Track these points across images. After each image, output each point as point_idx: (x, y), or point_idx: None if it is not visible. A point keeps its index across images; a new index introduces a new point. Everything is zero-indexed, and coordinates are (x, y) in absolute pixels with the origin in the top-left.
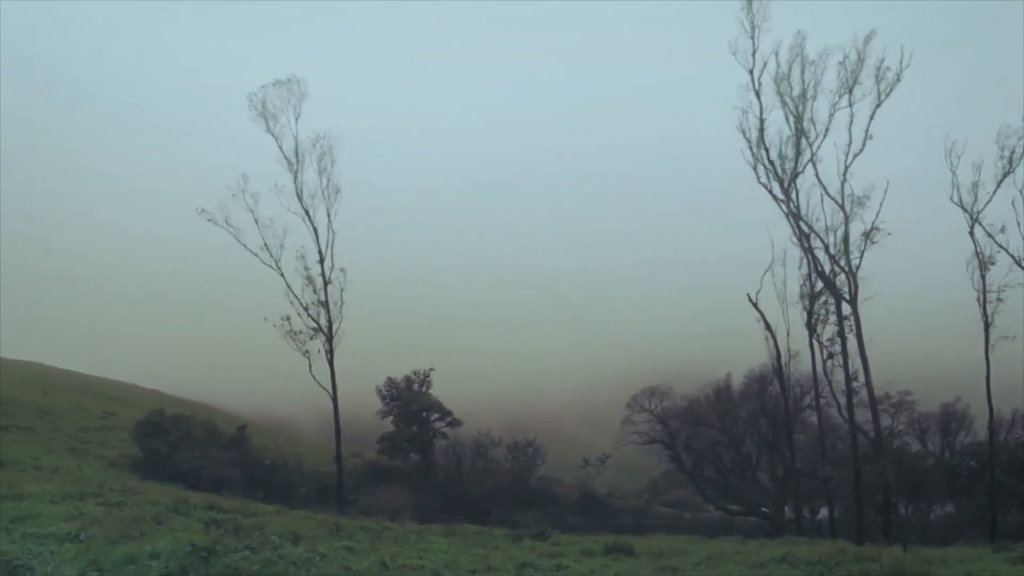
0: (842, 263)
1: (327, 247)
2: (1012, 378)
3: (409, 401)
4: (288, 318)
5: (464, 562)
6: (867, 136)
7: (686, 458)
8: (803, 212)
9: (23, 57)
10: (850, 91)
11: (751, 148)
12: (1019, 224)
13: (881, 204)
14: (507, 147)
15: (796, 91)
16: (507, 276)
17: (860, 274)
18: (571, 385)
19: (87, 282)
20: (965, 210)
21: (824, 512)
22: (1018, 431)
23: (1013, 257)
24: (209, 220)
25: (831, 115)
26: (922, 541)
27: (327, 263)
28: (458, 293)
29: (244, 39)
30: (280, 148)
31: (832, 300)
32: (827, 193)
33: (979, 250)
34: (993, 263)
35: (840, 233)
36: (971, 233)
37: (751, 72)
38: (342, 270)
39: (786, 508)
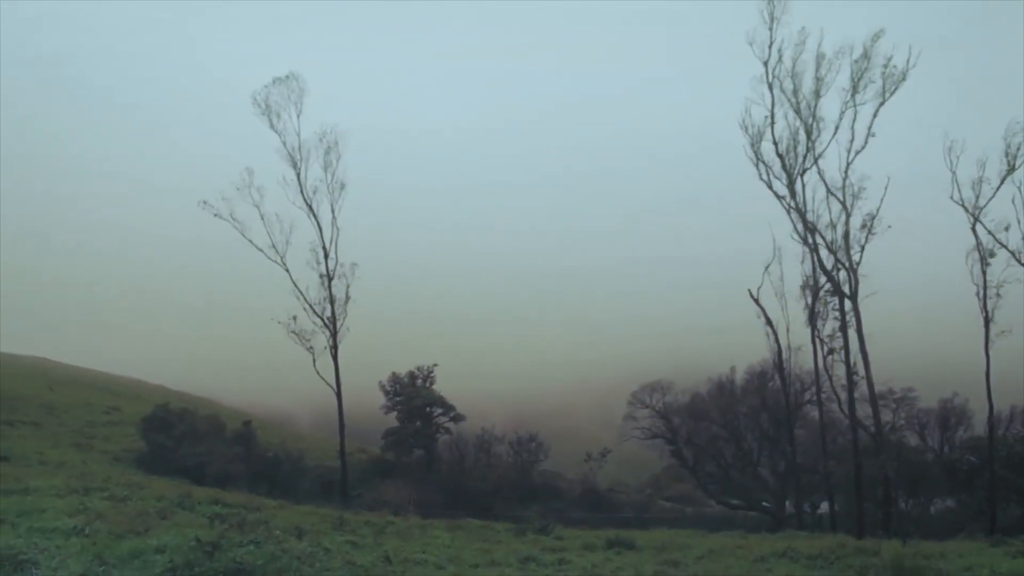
0: (843, 259)
1: (332, 243)
2: (1011, 373)
3: (413, 396)
4: (295, 317)
5: (467, 556)
6: (870, 133)
7: (687, 453)
8: (806, 208)
9: (28, 56)
10: (855, 88)
11: (753, 145)
12: (1020, 221)
13: (882, 200)
14: (509, 145)
15: (807, 87)
16: (510, 272)
17: (861, 271)
18: (573, 380)
19: (92, 278)
20: (966, 209)
21: (825, 506)
22: (1017, 426)
23: (1013, 254)
24: (215, 214)
25: (842, 113)
26: (922, 535)
27: (331, 259)
28: (461, 289)
29: (248, 38)
30: (284, 144)
31: (832, 296)
32: (829, 190)
33: (980, 246)
34: (993, 256)
35: (841, 229)
36: (973, 229)
37: (766, 64)
38: (354, 264)
39: (787, 502)
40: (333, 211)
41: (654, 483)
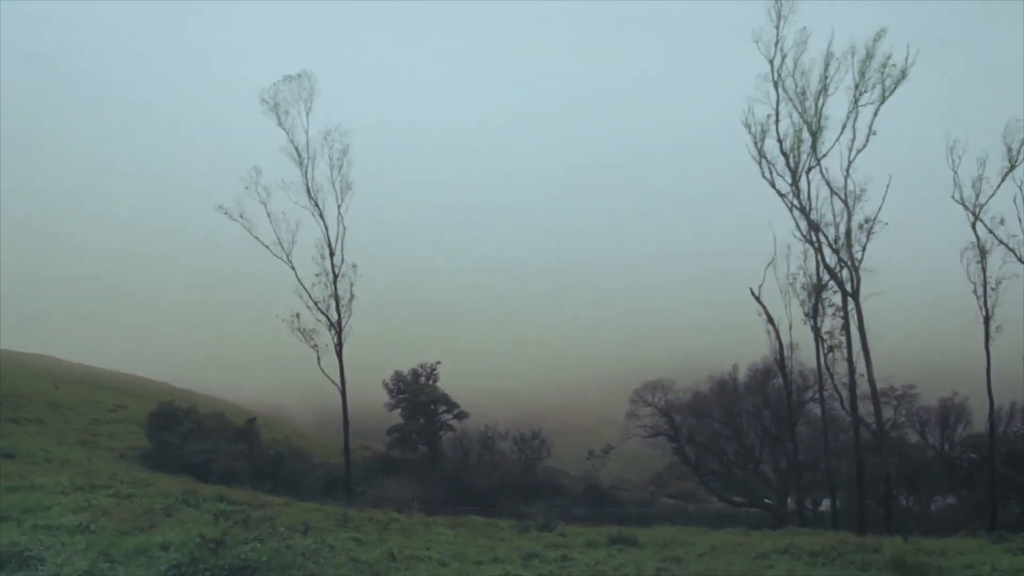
0: (845, 257)
1: (337, 241)
2: (1011, 370)
3: (416, 394)
4: (298, 315)
5: (471, 553)
6: (871, 132)
7: (690, 451)
8: (808, 207)
9: (35, 52)
10: (857, 87)
11: (755, 143)
12: (1021, 220)
13: (884, 198)
14: (511, 142)
15: (811, 86)
16: (513, 270)
17: (863, 269)
18: (576, 378)
19: (97, 276)
20: (966, 207)
21: (827, 503)
22: (1017, 423)
23: (1014, 252)
24: (226, 214)
25: (850, 112)
26: (923, 532)
27: (337, 257)
28: (464, 287)
29: (253, 35)
30: (291, 142)
31: (835, 293)
32: (831, 188)
33: (980, 244)
34: (987, 252)
35: (843, 227)
36: (973, 227)
37: (771, 62)
38: (353, 265)
39: (789, 499)
40: (339, 210)
41: (656, 480)
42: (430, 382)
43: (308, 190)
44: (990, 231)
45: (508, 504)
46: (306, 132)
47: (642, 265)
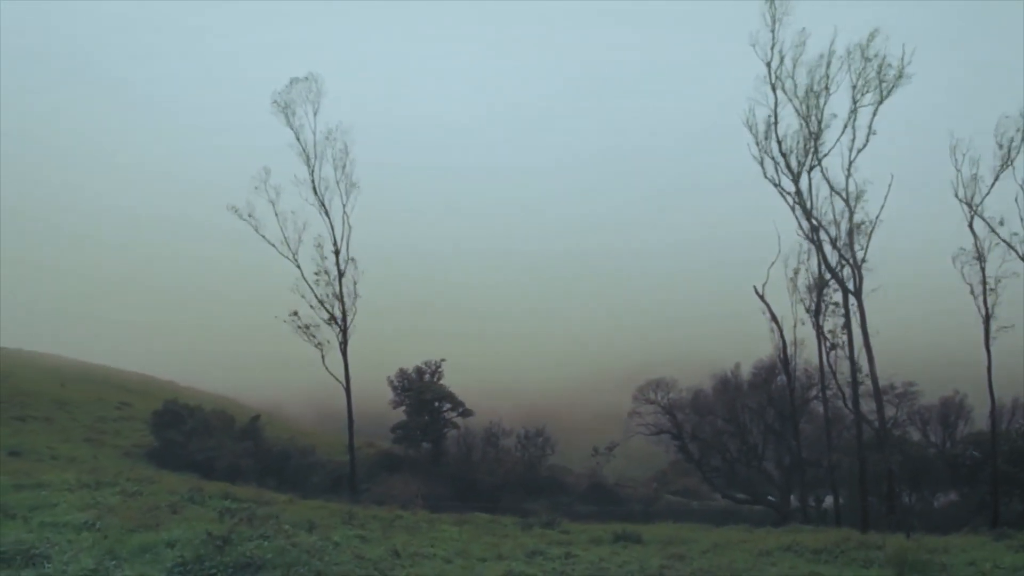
0: (847, 256)
1: (342, 240)
2: (1013, 368)
3: (421, 391)
4: (296, 312)
5: (475, 550)
6: (870, 131)
7: (693, 448)
8: (810, 206)
9: (48, 51)
10: (855, 87)
11: (758, 143)
12: (1022, 219)
13: (885, 198)
14: (515, 134)
15: (812, 87)
16: (516, 268)
17: (864, 267)
18: (580, 375)
19: (103, 274)
20: (969, 206)
21: (829, 500)
22: (1019, 420)
23: (1016, 251)
24: (236, 214)
25: (850, 112)
26: (926, 529)
27: (342, 255)
28: (468, 284)
29: (258, 31)
30: (299, 141)
31: (837, 291)
32: (832, 188)
33: (978, 243)
34: (983, 260)
35: (844, 226)
36: (971, 227)
37: (768, 65)
38: (353, 259)
39: (792, 496)
40: (344, 208)
41: (660, 477)
42: (434, 379)
43: (315, 189)
44: (992, 229)
45: (512, 501)
46: (313, 132)
47: (646, 263)
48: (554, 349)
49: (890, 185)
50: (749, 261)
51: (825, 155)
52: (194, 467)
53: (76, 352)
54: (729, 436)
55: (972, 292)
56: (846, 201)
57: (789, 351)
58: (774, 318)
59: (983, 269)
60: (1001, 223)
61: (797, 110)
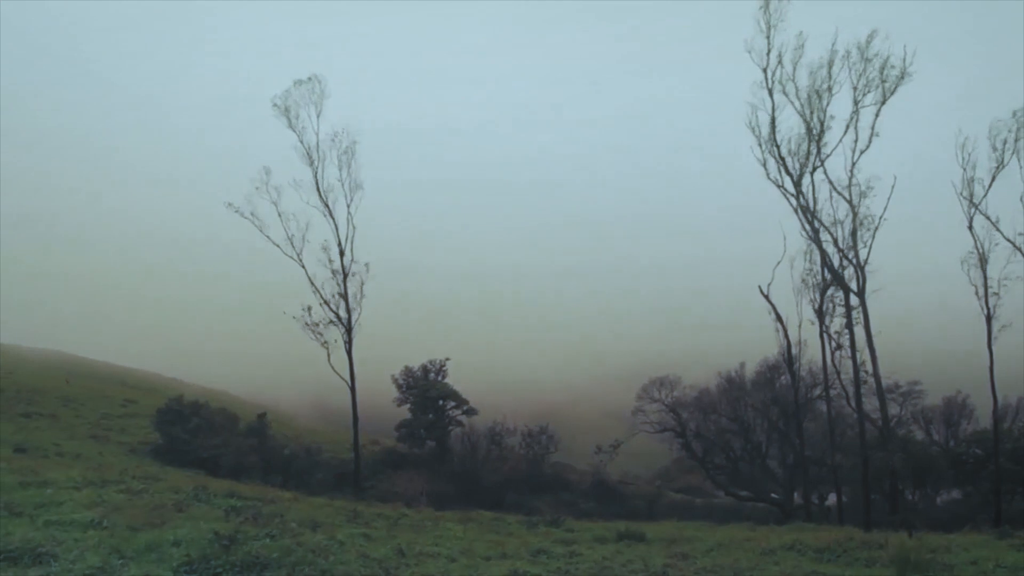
0: (850, 256)
1: (347, 241)
2: (1017, 366)
3: (426, 389)
4: (309, 308)
5: (479, 549)
6: (873, 133)
7: (696, 446)
8: (813, 207)
9: (48, 50)
10: (857, 90)
11: (760, 145)
12: None
13: (888, 199)
14: (520, 139)
15: (808, 90)
16: (522, 265)
17: (868, 267)
18: (584, 373)
19: (107, 273)
20: (973, 204)
21: (833, 497)
22: (1022, 419)
23: (1021, 251)
24: (236, 211)
25: (852, 113)
26: (928, 526)
27: (347, 257)
28: (472, 283)
29: (266, 33)
30: (302, 143)
31: (841, 292)
32: (835, 189)
33: (979, 244)
34: (988, 252)
35: (847, 227)
36: (970, 228)
37: (765, 71)
38: (366, 265)
39: (795, 494)
40: (349, 210)
41: (664, 475)
42: (439, 378)
43: (319, 190)
44: (996, 227)
45: (516, 498)
46: (316, 134)
47: (651, 261)
48: (558, 348)
49: (893, 186)
50: (756, 261)
51: (827, 156)
52: (199, 464)
53: (81, 349)
54: (733, 434)
55: (977, 293)
56: (849, 202)
57: (793, 351)
58: (779, 318)
59: (984, 269)
60: (997, 222)
61: (799, 112)
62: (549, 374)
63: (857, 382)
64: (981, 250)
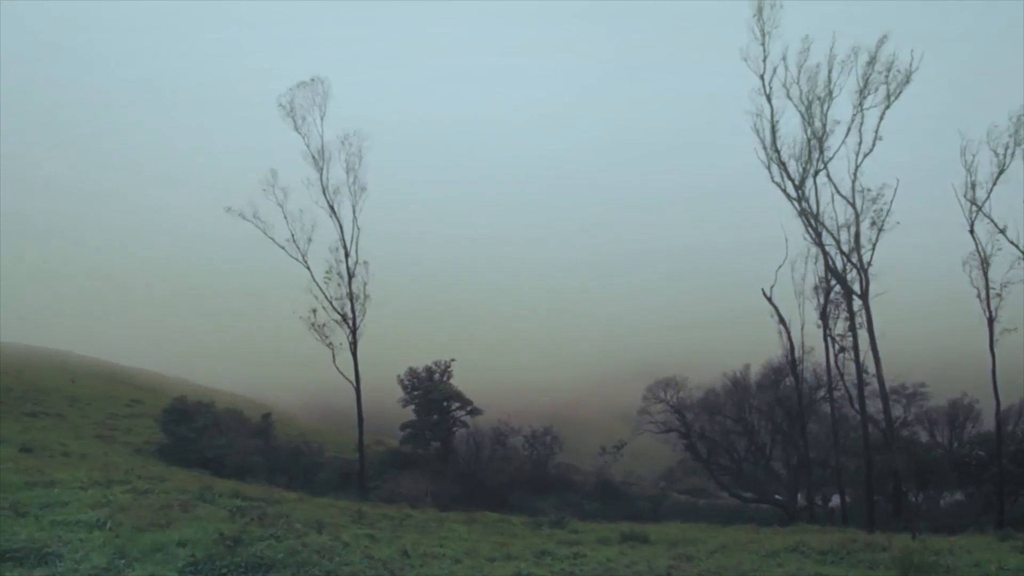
0: (854, 259)
1: (352, 242)
2: (1019, 368)
3: (430, 390)
4: (315, 311)
5: (483, 550)
6: (876, 136)
7: (701, 447)
8: (816, 210)
9: (55, 51)
10: (860, 93)
11: (764, 148)
12: None
13: (891, 202)
14: (525, 138)
15: (807, 95)
16: (527, 266)
17: (871, 270)
18: (589, 374)
19: (115, 273)
20: (977, 207)
21: (836, 499)
22: None
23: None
24: (239, 215)
25: (854, 116)
26: (932, 528)
27: (352, 258)
28: (477, 284)
29: (266, 34)
30: (307, 146)
31: (843, 295)
32: (838, 192)
33: (980, 247)
34: (990, 255)
35: (852, 230)
36: (971, 231)
37: (762, 77)
38: (366, 262)
39: (799, 495)
40: (354, 211)
41: (668, 476)
42: (444, 379)
43: (324, 192)
44: (1000, 230)
45: (520, 499)
46: (321, 136)
47: (657, 262)
48: (563, 349)
49: (896, 189)
50: (760, 262)
51: (830, 159)
52: (204, 464)
53: (87, 349)
54: (737, 436)
55: (979, 296)
56: (852, 205)
57: (797, 353)
58: (782, 320)
59: (986, 273)
60: (1004, 230)
61: (802, 115)
62: (554, 375)
63: (860, 384)
64: (983, 253)
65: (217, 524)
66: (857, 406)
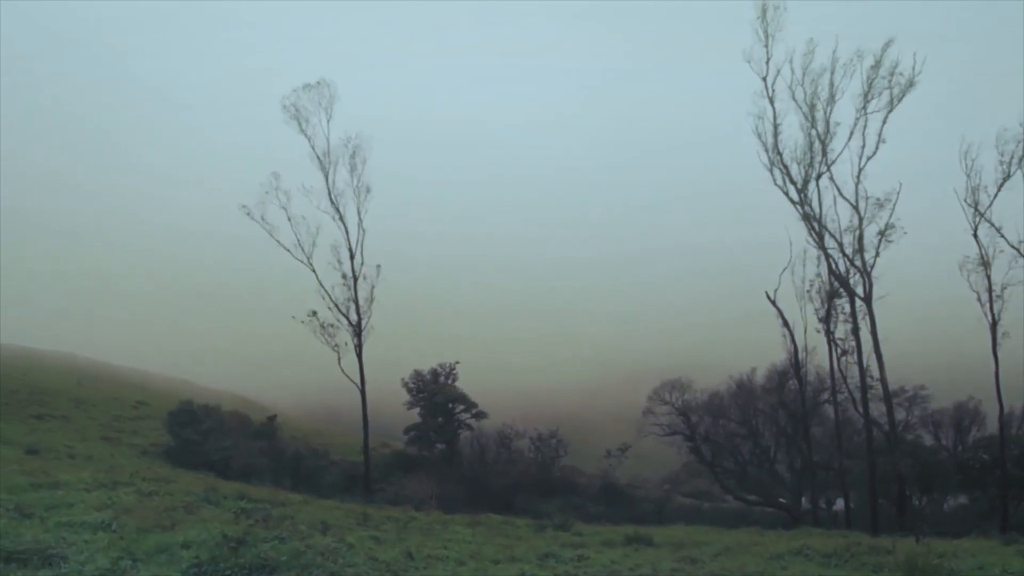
0: (857, 263)
1: (357, 244)
2: (1022, 370)
3: (435, 393)
4: (315, 313)
5: (488, 552)
6: (880, 140)
7: (705, 450)
8: (819, 214)
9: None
10: (863, 97)
11: (767, 152)
12: None
13: (894, 205)
14: (528, 138)
15: (810, 97)
16: (532, 268)
17: (874, 273)
18: (594, 377)
19: (121, 275)
20: (979, 212)
21: (840, 502)
22: None
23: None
24: (248, 215)
25: (857, 119)
26: (936, 532)
27: (357, 260)
28: (484, 287)
29: (271, 35)
30: (313, 148)
31: (844, 298)
32: (842, 195)
33: (983, 251)
34: (992, 258)
35: (855, 233)
36: (975, 234)
37: (765, 79)
38: (378, 266)
39: (803, 498)
40: (359, 214)
41: (672, 479)
42: (449, 381)
43: (330, 195)
44: (1001, 235)
45: (525, 502)
46: (327, 139)
47: (661, 262)
48: (568, 352)
49: (898, 192)
50: (766, 263)
51: (833, 162)
52: (210, 466)
53: (92, 351)
54: (742, 439)
55: (979, 299)
56: (856, 208)
57: (801, 356)
58: (785, 323)
59: (988, 276)
60: (1000, 230)
61: (805, 116)
62: (558, 377)
63: (864, 387)
64: (986, 257)
65: (221, 526)
66: (860, 409)
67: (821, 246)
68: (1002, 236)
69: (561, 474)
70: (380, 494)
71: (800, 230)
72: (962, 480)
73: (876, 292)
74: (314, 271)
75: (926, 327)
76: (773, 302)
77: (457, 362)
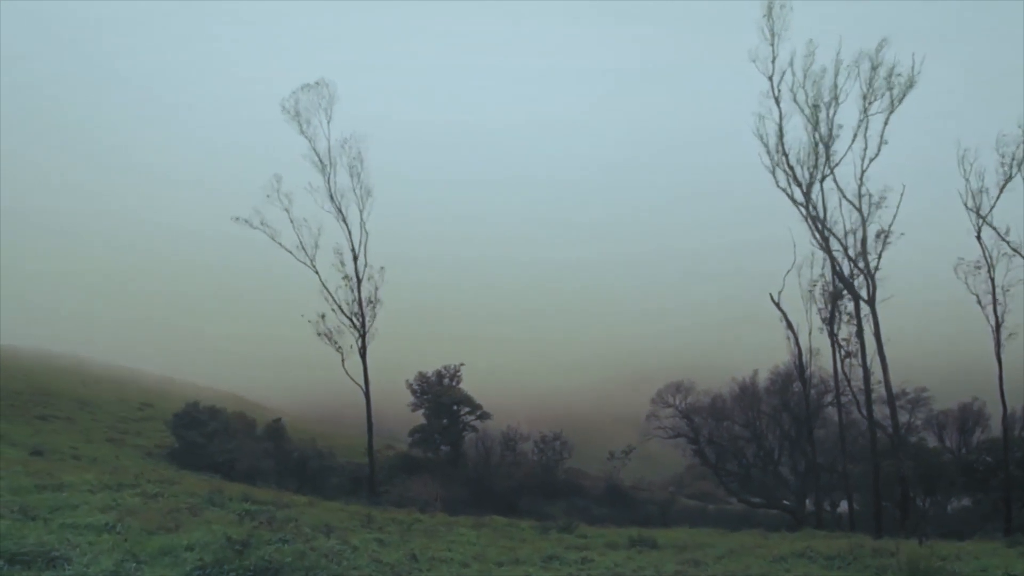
0: (860, 264)
1: (360, 246)
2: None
3: (440, 395)
4: (323, 316)
5: (492, 555)
6: (882, 141)
7: (709, 452)
8: (823, 215)
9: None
10: (865, 98)
11: (769, 153)
12: None
13: (897, 207)
14: (531, 139)
15: (813, 98)
16: (536, 271)
17: (878, 275)
18: (598, 379)
19: (122, 276)
20: (980, 215)
21: (844, 505)
22: None
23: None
24: (246, 223)
25: (860, 121)
26: (939, 534)
27: (360, 261)
28: (488, 289)
29: (271, 35)
30: (313, 150)
31: (850, 301)
32: (845, 197)
33: (987, 254)
34: (982, 267)
35: (858, 235)
36: (978, 237)
37: (771, 79)
38: (382, 268)
39: (807, 501)
40: (361, 215)
41: (676, 481)
42: (453, 383)
43: (331, 196)
44: (1002, 238)
45: (529, 504)
46: (327, 139)
47: (665, 264)
48: (572, 354)
49: (902, 194)
50: (770, 264)
51: (836, 165)
52: (214, 468)
53: (98, 353)
54: (746, 441)
55: (979, 302)
56: (859, 210)
57: (804, 358)
58: (789, 326)
59: (992, 278)
60: (1007, 233)
61: (808, 118)
62: (563, 379)
63: (867, 389)
64: (989, 259)
65: (226, 528)
66: (864, 412)
67: (825, 248)
68: (1004, 240)
69: (565, 476)
70: (385, 496)
71: (803, 231)
72: (966, 482)
73: (880, 294)
74: (317, 273)
75: (930, 329)
76: (778, 304)
77: (461, 364)
